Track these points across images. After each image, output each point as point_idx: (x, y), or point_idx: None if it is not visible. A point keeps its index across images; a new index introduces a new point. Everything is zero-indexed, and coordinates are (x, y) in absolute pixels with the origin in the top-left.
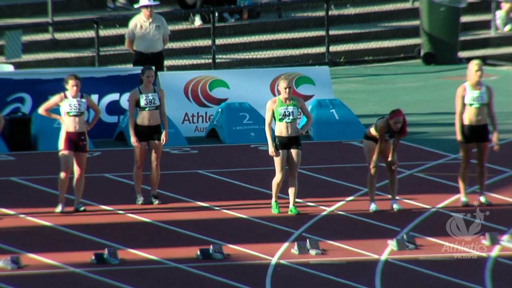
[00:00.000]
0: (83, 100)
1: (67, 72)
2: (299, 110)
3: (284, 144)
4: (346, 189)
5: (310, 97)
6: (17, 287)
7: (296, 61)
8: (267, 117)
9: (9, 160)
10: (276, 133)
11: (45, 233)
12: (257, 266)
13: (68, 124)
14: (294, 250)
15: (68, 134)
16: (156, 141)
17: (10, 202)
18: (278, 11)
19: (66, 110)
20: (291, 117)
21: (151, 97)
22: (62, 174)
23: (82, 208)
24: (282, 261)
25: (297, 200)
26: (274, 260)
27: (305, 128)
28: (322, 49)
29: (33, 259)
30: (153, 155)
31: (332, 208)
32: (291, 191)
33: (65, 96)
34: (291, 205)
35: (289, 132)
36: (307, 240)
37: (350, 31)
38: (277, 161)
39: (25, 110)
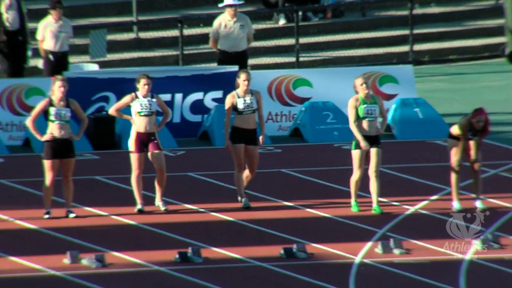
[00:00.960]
0: (154, 100)
1: (151, 71)
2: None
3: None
4: (430, 188)
5: (393, 96)
6: (102, 285)
7: (379, 60)
8: (351, 115)
9: (94, 159)
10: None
11: (129, 232)
12: (340, 265)
13: (138, 124)
14: (378, 249)
15: (139, 134)
16: (251, 146)
17: (95, 200)
18: (362, 10)
19: (137, 110)
20: (373, 115)
21: (249, 101)
22: (134, 176)
23: (164, 208)
24: (365, 260)
25: (380, 199)
26: (357, 259)
27: (384, 126)
28: (406, 48)
29: (118, 258)
30: (251, 161)
31: (415, 208)
32: (374, 190)
33: (136, 96)
34: (374, 204)
35: (370, 130)
36: (391, 239)
37: (434, 30)
38: (356, 158)
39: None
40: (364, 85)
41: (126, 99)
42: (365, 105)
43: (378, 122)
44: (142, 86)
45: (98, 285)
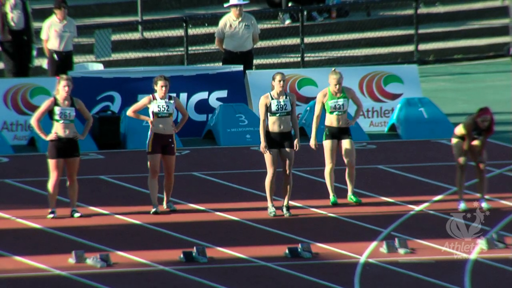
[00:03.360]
0: (171, 101)
1: (156, 70)
2: (349, 101)
3: (334, 134)
4: (435, 188)
5: (398, 95)
6: (107, 285)
7: (384, 59)
8: (317, 109)
9: (99, 158)
10: (326, 123)
11: (134, 231)
12: (345, 265)
13: (156, 126)
14: (383, 249)
15: (156, 135)
16: (288, 149)
17: (99, 200)
18: (367, 9)
19: (155, 112)
20: (341, 109)
21: (282, 103)
22: (151, 177)
23: (171, 208)
24: (370, 260)
25: (386, 199)
26: (362, 259)
27: (356, 118)
28: (410, 48)
29: (122, 257)
30: (286, 163)
31: (421, 207)
32: (349, 179)
33: (154, 98)
34: (350, 193)
35: (340, 123)
36: (396, 239)
37: (439, 30)
38: (327, 148)
39: (114, 108)
40: (337, 86)
41: (143, 100)
42: (332, 100)
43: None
44: (159, 88)
45: (103, 285)
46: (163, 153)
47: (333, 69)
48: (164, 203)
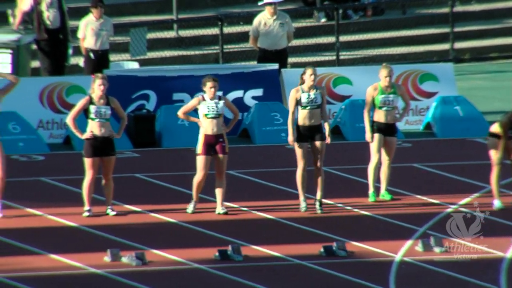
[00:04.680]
0: (221, 101)
1: (191, 69)
2: (399, 97)
3: (380, 130)
4: (470, 186)
5: (434, 94)
6: (142, 283)
7: (420, 58)
8: (367, 103)
9: (134, 157)
10: (374, 119)
11: (169, 230)
12: (380, 264)
13: (206, 127)
14: (418, 247)
15: (206, 137)
16: (318, 142)
17: (134, 198)
18: (403, 7)
19: (204, 113)
20: (391, 105)
21: (313, 96)
22: (197, 177)
23: (223, 211)
24: (406, 259)
25: (421, 197)
26: (398, 257)
27: (403, 115)
28: (446, 46)
29: (158, 255)
30: (317, 156)
31: (456, 206)
32: (384, 177)
33: (203, 99)
34: (383, 190)
35: (388, 119)
36: (431, 237)
37: (475, 28)
38: (375, 142)
39: (150, 107)
40: (387, 78)
41: (193, 102)
42: (382, 95)
43: (398, 111)
44: (208, 89)
45: (138, 283)
46: (214, 153)
47: (383, 64)
48: (218, 206)
